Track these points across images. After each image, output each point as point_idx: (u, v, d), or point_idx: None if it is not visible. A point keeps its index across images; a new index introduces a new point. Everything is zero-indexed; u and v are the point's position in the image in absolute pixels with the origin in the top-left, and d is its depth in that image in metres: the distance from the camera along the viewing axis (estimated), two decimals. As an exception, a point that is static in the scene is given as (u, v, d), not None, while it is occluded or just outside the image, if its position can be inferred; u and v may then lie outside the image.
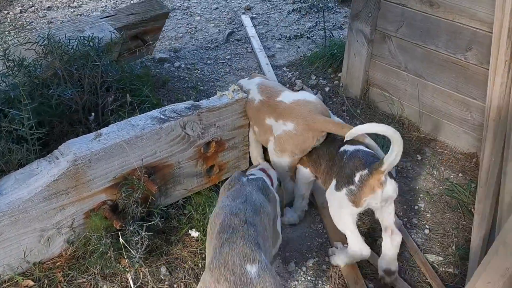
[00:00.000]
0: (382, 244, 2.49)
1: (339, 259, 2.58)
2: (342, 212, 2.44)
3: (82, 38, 3.15)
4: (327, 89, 4.21)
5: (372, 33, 3.75)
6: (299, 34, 5.20)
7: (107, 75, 3.07)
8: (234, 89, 2.88)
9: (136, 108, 2.93)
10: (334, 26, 5.38)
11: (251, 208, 2.04)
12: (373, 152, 2.52)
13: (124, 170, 2.48)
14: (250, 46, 4.93)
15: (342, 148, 2.56)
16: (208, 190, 2.94)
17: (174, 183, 2.74)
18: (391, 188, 2.36)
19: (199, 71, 4.40)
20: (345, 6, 5.92)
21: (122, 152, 2.42)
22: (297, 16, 5.65)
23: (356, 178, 2.36)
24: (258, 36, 5.09)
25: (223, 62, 4.59)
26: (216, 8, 5.68)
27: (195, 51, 4.77)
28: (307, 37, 5.06)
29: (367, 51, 3.82)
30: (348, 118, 3.85)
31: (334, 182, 2.48)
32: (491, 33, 3.04)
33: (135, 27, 3.82)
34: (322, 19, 4.79)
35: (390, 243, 2.46)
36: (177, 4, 5.70)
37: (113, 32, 3.38)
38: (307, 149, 2.72)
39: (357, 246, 2.47)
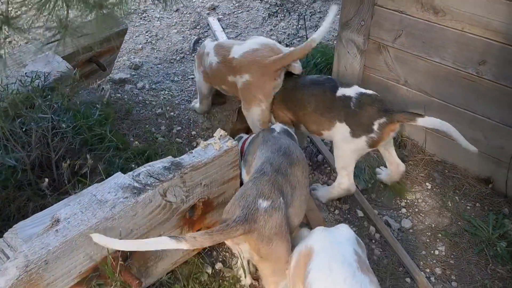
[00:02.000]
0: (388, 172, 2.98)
1: (323, 197, 2.91)
2: (354, 155, 2.71)
3: (24, 76, 2.55)
4: (314, 104, 3.74)
5: (365, 43, 3.29)
6: (274, 38, 4.68)
7: (59, 123, 2.49)
8: (221, 135, 2.36)
9: (101, 170, 2.37)
10: (311, 24, 4.88)
11: (288, 160, 2.23)
12: (377, 95, 2.73)
13: (92, 262, 1.95)
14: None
15: (340, 93, 2.71)
16: (196, 257, 2.44)
17: (155, 260, 2.23)
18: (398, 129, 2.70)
19: (166, 92, 3.83)
20: (318, -1, 5.42)
21: (89, 242, 1.88)
22: (268, 14, 5.11)
23: (375, 127, 2.60)
24: (228, 42, 4.53)
25: (192, 78, 4.02)
26: (177, 10, 5.06)
27: (159, 66, 4.18)
28: (286, 44, 4.54)
29: (360, 64, 3.36)
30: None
31: (347, 128, 2.65)
32: (509, 45, 2.64)
33: (88, 50, 3.21)
34: (302, 23, 4.26)
35: (396, 170, 2.90)
36: (132, 8, 5.04)
37: (67, 67, 2.78)
38: (270, 92, 2.89)
39: (350, 183, 2.77)
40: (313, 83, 2.83)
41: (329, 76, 3.07)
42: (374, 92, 2.74)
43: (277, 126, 2.65)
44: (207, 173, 2.25)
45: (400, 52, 3.16)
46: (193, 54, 4.37)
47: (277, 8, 5.07)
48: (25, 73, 2.65)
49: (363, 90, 2.72)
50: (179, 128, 3.43)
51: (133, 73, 3.98)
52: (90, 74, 3.38)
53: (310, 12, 5.02)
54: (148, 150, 3.05)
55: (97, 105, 2.94)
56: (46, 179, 2.26)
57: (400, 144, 3.31)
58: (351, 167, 2.74)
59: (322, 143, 3.39)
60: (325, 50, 4.04)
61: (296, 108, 2.84)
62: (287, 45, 4.05)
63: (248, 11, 5.17)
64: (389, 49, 3.21)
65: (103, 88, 3.72)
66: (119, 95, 3.68)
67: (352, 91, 2.69)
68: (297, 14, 4.99)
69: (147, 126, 3.38)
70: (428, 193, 3.01)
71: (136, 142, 3.17)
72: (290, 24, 4.90)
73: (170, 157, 2.26)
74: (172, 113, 3.57)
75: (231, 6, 5.24)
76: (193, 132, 3.42)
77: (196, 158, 2.24)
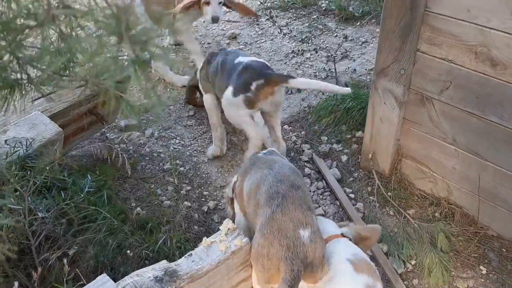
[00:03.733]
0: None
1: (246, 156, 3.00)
2: (239, 113, 2.88)
3: (4, 145, 2.17)
4: (344, 158, 3.26)
5: (405, 94, 2.79)
6: (300, 72, 4.23)
7: (37, 206, 2.09)
8: (228, 229, 1.92)
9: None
10: (343, 67, 4.39)
11: (292, 171, 2.11)
12: (266, 63, 2.97)
13: None
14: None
15: (237, 60, 2.93)
16: None
17: None
18: (280, 96, 2.91)
19: (177, 141, 3.41)
20: (348, 25, 4.94)
21: None
22: (293, 43, 4.66)
23: (253, 87, 2.79)
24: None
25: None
26: (196, 38, 4.66)
27: (171, 108, 3.77)
28: (314, 77, 4.07)
29: (398, 116, 2.86)
30: (378, 204, 2.91)
31: (230, 88, 2.85)
32: None
33: (85, 103, 2.82)
34: (332, 64, 3.76)
35: (277, 148, 2.93)
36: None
37: (55, 130, 2.40)
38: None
39: (255, 132, 2.94)
40: (227, 54, 3.08)
41: (236, 49, 3.43)
42: (265, 62, 3.00)
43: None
44: (209, 282, 1.81)
45: (448, 106, 2.66)
46: (209, 93, 3.95)
47: (302, 43, 4.60)
48: (5, 140, 2.27)
49: (256, 59, 2.97)
50: (189, 188, 3.01)
51: (141, 117, 3.58)
52: (90, 126, 2.99)
53: (338, 44, 4.54)
54: (150, 221, 2.63)
55: (89, 173, 2.54)
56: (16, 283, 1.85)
57: (447, 214, 2.80)
58: (247, 121, 2.92)
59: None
60: (356, 91, 3.55)
61: (212, 79, 3.10)
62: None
63: (272, 39, 4.73)
64: (434, 102, 2.71)
65: (106, 137, 3.33)
66: (124, 145, 3.29)
67: (247, 59, 2.93)
68: (325, 50, 4.51)
69: (153, 186, 2.97)
70: (483, 280, 2.50)
71: (138, 209, 2.76)
72: (319, 55, 4.43)
73: (164, 261, 1.83)
74: (182, 168, 3.15)
75: (254, 34, 4.81)
76: (205, 193, 3.00)
77: (195, 264, 1.80)
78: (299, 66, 4.31)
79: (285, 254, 1.74)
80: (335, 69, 3.66)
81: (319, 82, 2.99)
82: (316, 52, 4.40)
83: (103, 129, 3.34)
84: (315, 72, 4.17)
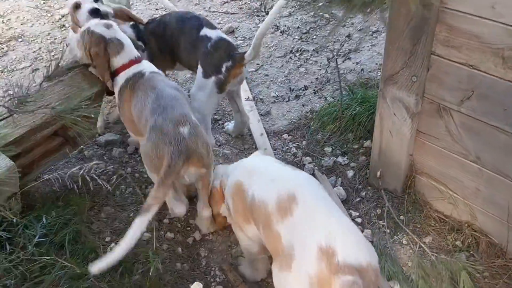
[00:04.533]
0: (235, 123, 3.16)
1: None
2: (210, 99, 2.80)
3: None
4: (350, 173, 2.86)
5: (418, 104, 2.37)
6: (303, 69, 3.81)
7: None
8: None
9: None
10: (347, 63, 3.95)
11: (173, 89, 2.42)
12: (231, 41, 2.89)
13: None
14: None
15: (203, 32, 2.78)
16: None
17: None
18: (244, 73, 2.92)
19: (163, 156, 3.05)
20: (358, 12, 4.45)
21: None
22: (296, 37, 4.23)
23: (223, 69, 2.73)
24: (247, 80, 3.70)
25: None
26: None
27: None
28: (316, 79, 3.64)
29: (410, 129, 2.45)
30: (388, 230, 2.53)
31: (200, 69, 2.77)
32: None
33: (51, 124, 2.48)
34: (335, 67, 3.32)
35: (241, 121, 3.10)
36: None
37: (6, 165, 2.06)
38: None
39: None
40: (180, 20, 2.87)
41: (195, 14, 3.00)
42: (230, 39, 2.92)
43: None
44: None
45: (470, 119, 2.23)
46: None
47: (305, 39, 4.16)
48: None
49: (223, 36, 2.85)
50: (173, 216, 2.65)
51: (124, 130, 3.22)
52: (60, 147, 2.65)
53: (347, 36, 4.10)
54: (123, 261, 2.29)
55: (54, 208, 2.21)
56: None
57: (470, 243, 2.39)
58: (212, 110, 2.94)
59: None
60: (363, 93, 3.13)
61: (171, 47, 2.93)
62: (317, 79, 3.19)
63: (272, 33, 4.30)
64: (453, 114, 2.29)
65: (84, 156, 3.00)
66: (103, 165, 2.94)
67: (214, 34, 2.78)
68: (330, 43, 4.07)
69: (132, 214, 2.63)
70: (513, 327, 2.10)
71: (113, 245, 2.42)
72: (324, 50, 4.00)
73: None
74: (166, 191, 2.79)
75: (253, 27, 4.39)
76: (191, 221, 2.65)
77: None
78: (303, 63, 3.88)
79: (169, 150, 2.12)
80: (338, 72, 3.20)
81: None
82: (317, 52, 3.95)
83: (83, 146, 3.00)
84: (319, 69, 3.74)
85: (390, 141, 2.56)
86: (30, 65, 3.88)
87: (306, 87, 3.44)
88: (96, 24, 2.55)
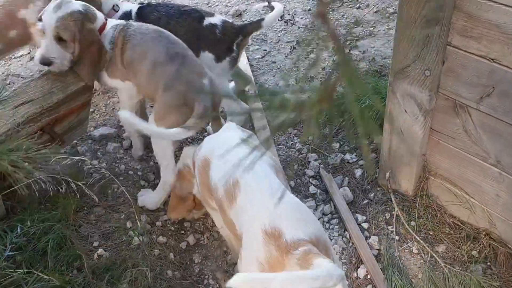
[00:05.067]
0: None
1: None
2: (221, 80, 2.68)
3: None
4: (358, 172, 2.65)
5: (432, 100, 2.13)
6: (311, 54, 3.57)
7: None
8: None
9: None
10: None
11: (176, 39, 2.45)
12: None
13: None
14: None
15: (206, 22, 2.71)
16: None
17: None
18: None
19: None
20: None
21: None
22: (306, 18, 3.97)
23: (235, 47, 2.76)
24: (252, 67, 3.49)
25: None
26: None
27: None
28: (323, 69, 3.40)
29: (423, 127, 2.21)
30: (397, 237, 2.32)
31: (210, 56, 2.71)
32: None
33: (35, 121, 2.33)
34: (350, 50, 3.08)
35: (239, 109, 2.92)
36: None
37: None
38: None
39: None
40: (178, 12, 2.75)
41: (191, 6, 3.03)
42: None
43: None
44: None
45: (490, 118, 1.99)
46: (203, 88, 3.37)
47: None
48: None
49: (224, 18, 2.84)
50: (167, 217, 2.50)
51: (121, 123, 3.06)
52: (46, 146, 2.50)
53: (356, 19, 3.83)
54: (112, 268, 2.16)
55: (40, 210, 2.07)
56: None
57: (487, 254, 2.17)
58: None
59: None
60: (375, 82, 2.89)
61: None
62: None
63: (283, 16, 4.04)
64: (471, 112, 2.04)
65: (77, 151, 2.85)
66: (97, 161, 2.79)
67: (217, 20, 2.75)
68: (343, 27, 3.81)
69: (123, 216, 2.48)
70: None
71: (100, 250, 2.28)
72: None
73: None
74: (161, 189, 2.63)
75: (262, 11, 4.14)
76: (186, 224, 2.49)
77: None
78: (313, 49, 3.63)
79: (199, 99, 2.21)
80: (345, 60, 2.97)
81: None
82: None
83: (76, 141, 2.86)
84: (331, 56, 3.50)
85: (401, 140, 2.34)
86: (28, 53, 3.72)
87: (312, 78, 3.20)
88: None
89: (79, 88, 2.43)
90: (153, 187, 2.64)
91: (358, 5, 4.11)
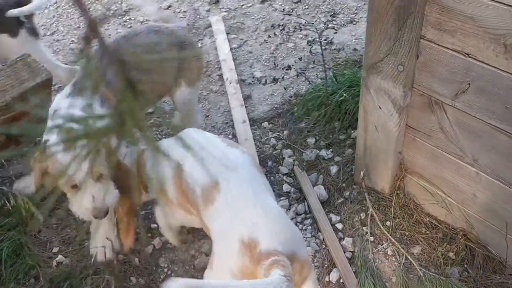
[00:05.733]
0: None
1: None
2: None
3: None
4: (333, 169, 2.54)
5: (406, 96, 2.02)
6: (288, 42, 3.43)
7: None
8: None
9: None
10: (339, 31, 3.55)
11: None
12: None
13: None
14: (216, 79, 3.22)
15: None
16: None
17: None
18: None
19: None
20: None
21: None
22: (286, 3, 3.82)
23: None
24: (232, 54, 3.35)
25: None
26: (169, 7, 3.88)
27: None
28: (300, 58, 3.25)
29: (398, 125, 2.10)
30: (372, 238, 2.23)
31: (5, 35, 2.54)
32: None
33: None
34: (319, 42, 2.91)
35: None
36: (112, 8, 3.92)
37: None
38: None
39: None
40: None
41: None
42: None
43: None
44: None
45: (466, 116, 1.88)
46: (176, 80, 3.23)
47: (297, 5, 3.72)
48: None
49: None
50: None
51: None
52: (1, 147, 2.37)
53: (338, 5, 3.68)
54: (70, 276, 2.06)
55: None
56: None
57: (464, 256, 2.09)
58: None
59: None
60: (352, 76, 2.77)
61: None
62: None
63: (261, 2, 3.89)
64: (447, 109, 1.93)
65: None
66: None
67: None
68: (323, 14, 3.67)
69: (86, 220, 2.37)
70: None
71: (60, 257, 2.18)
72: (315, 22, 3.60)
73: None
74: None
75: (240, -2, 3.98)
76: (153, 225, 2.38)
77: None
78: (290, 37, 3.50)
79: None
80: (322, 50, 2.80)
81: None
82: (308, 24, 3.52)
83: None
84: (300, 53, 3.35)
85: (376, 137, 2.22)
86: None
87: (289, 67, 3.06)
88: None
89: (36, 84, 2.29)
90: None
91: (339, -11, 3.95)
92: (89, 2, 3.97)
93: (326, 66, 2.73)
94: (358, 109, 2.45)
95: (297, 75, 2.98)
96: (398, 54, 1.90)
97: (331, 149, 2.64)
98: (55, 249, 2.23)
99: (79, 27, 3.72)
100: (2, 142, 2.32)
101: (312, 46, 3.33)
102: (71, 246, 2.25)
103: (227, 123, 2.90)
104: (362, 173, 2.34)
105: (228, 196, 1.58)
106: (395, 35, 1.87)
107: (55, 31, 3.70)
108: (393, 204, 2.30)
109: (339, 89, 2.70)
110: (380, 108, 2.11)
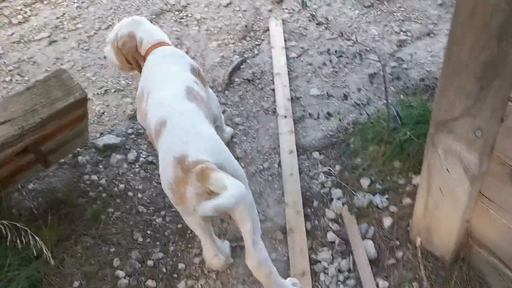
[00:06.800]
0: None
1: None
2: None
3: None
4: (387, 221, 2.22)
5: (482, 165, 1.65)
6: (355, 56, 3.07)
7: None
8: None
9: None
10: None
11: None
12: None
13: None
14: (269, 94, 2.93)
15: None
16: None
17: None
18: None
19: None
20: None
21: None
22: (357, 5, 3.43)
23: None
24: (287, 68, 3.05)
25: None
26: (228, 5, 3.60)
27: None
28: (370, 75, 2.88)
29: (469, 193, 1.74)
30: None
31: None
32: None
33: (18, 141, 2.06)
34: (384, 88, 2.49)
35: None
36: (170, 2, 3.69)
37: None
38: None
39: None
40: None
41: None
42: None
43: None
44: None
45: (558, 202, 1.49)
46: (226, 92, 2.98)
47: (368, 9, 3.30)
48: None
49: None
50: (161, 255, 2.22)
51: (129, 131, 2.76)
52: (29, 166, 2.26)
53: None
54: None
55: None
56: None
57: None
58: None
59: None
60: (421, 109, 2.40)
61: None
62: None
63: (329, 4, 3.52)
64: (534, 188, 1.55)
65: (77, 162, 2.59)
66: (96, 177, 2.53)
67: None
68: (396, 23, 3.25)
69: (113, 250, 2.22)
70: None
71: (80, 293, 2.05)
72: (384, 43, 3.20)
73: None
74: (159, 219, 2.34)
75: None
76: (181, 265, 2.19)
77: None
78: (361, 47, 3.11)
79: None
80: (385, 82, 2.37)
81: None
82: (381, 37, 3.10)
83: (79, 149, 2.61)
84: (365, 69, 2.97)
85: (440, 200, 1.87)
86: (48, 36, 3.47)
87: (346, 96, 2.70)
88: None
89: (68, 104, 2.13)
90: (151, 215, 2.35)
91: (419, -7, 3.50)
92: (148, -6, 3.77)
93: (390, 101, 2.35)
94: (424, 153, 2.10)
95: (357, 104, 2.62)
96: (477, 116, 1.53)
97: (387, 195, 2.30)
98: (76, 283, 2.10)
99: (133, 22, 3.52)
100: (31, 160, 2.21)
101: (374, 77, 2.93)
102: (92, 282, 2.11)
103: (274, 148, 2.63)
104: (419, 239, 2.00)
105: (170, 129, 1.81)
106: (475, 95, 1.50)
107: (110, 25, 3.54)
108: (453, 277, 1.95)
109: (403, 126, 2.33)
110: (448, 171, 1.75)
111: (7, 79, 3.14)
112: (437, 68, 2.90)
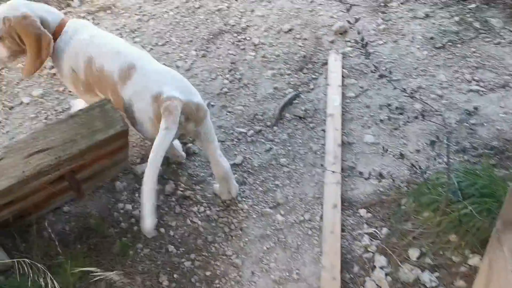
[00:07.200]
0: None
1: None
2: None
3: None
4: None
5: (557, 277, 1.41)
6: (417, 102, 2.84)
7: None
8: None
9: None
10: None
11: None
12: None
13: None
14: (320, 135, 2.76)
15: None
16: None
17: None
18: None
19: (202, 207, 2.47)
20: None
21: None
22: (426, 46, 3.19)
23: None
24: (342, 108, 2.87)
25: (257, 186, 2.56)
26: (289, 31, 3.45)
27: (222, 144, 2.78)
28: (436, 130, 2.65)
29: (535, 302, 1.50)
30: None
31: None
32: None
33: (55, 170, 2.01)
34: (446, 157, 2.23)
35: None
36: (230, 22, 3.59)
37: None
38: None
39: None
40: None
41: None
42: None
43: None
44: None
45: None
46: (274, 128, 2.83)
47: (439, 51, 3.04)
48: None
49: None
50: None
51: (170, 160, 2.67)
52: (62, 192, 2.21)
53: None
54: None
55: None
56: None
57: None
58: None
59: None
60: (488, 181, 2.15)
61: None
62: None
63: (395, 41, 3.30)
64: None
65: (113, 187, 2.53)
66: (130, 206, 2.45)
67: None
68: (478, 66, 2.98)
69: (136, 293, 2.12)
70: None
71: None
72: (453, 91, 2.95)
73: None
74: (188, 263, 2.22)
75: (374, 27, 3.42)
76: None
77: None
78: (429, 88, 2.89)
79: None
80: (448, 160, 2.11)
81: None
82: (451, 85, 2.85)
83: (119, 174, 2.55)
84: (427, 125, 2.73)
85: (499, 301, 1.64)
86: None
87: (402, 155, 2.48)
88: None
89: (108, 137, 2.06)
90: (180, 257, 2.24)
91: (498, 39, 3.21)
92: (208, 12, 3.68)
93: (451, 167, 2.12)
94: (487, 229, 1.87)
95: (413, 166, 2.39)
96: (556, 227, 1.31)
97: (437, 273, 2.08)
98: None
99: (191, 41, 3.45)
100: (64, 187, 2.15)
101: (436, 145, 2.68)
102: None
103: (318, 198, 2.46)
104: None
105: (142, 71, 2.05)
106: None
107: (167, 42, 3.48)
108: None
109: (464, 196, 2.10)
110: (513, 274, 1.52)
111: (61, 89, 3.13)
112: (509, 128, 2.63)
